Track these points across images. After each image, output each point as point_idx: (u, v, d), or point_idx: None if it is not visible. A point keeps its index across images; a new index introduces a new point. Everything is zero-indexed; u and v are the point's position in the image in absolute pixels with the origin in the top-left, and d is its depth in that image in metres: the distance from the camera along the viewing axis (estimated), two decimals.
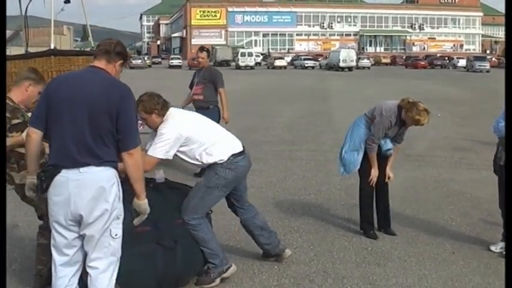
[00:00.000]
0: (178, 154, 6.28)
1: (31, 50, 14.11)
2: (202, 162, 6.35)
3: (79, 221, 4.65)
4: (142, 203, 4.96)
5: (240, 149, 6.55)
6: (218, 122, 10.34)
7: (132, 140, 4.68)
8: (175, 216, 6.25)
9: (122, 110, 4.58)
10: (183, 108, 11.84)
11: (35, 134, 4.74)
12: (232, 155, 6.41)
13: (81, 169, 4.55)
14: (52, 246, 4.85)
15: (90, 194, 4.57)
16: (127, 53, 4.96)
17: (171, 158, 6.22)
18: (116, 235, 4.77)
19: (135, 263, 5.82)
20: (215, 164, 6.34)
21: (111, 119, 4.55)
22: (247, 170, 6.71)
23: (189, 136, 6.21)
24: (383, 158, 8.02)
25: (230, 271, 6.45)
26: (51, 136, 4.72)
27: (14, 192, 6.24)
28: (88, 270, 4.77)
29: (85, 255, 4.81)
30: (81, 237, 4.74)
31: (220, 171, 6.33)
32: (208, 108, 11.19)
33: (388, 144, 7.94)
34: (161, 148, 6.06)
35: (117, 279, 5.39)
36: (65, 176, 4.57)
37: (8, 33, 68.91)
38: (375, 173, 7.93)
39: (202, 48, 11.83)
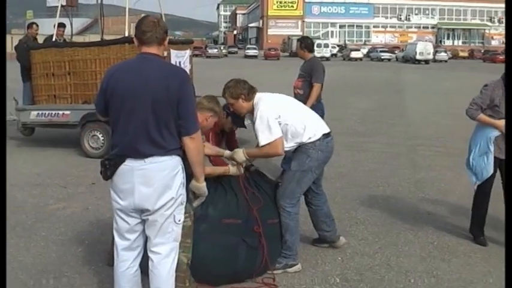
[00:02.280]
0: None
1: (108, 37, 14.40)
2: (294, 142, 6.36)
3: (142, 210, 4.70)
4: (202, 185, 5.02)
5: (328, 129, 6.60)
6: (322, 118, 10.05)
7: (193, 124, 4.66)
8: (270, 215, 6.30)
9: (182, 96, 4.55)
10: None
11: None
12: (323, 134, 6.46)
13: (146, 159, 4.58)
14: (114, 230, 4.93)
15: (155, 184, 4.60)
16: (165, 26, 4.80)
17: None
18: (179, 220, 4.80)
19: (218, 253, 5.91)
20: (306, 145, 6.37)
21: (171, 106, 4.52)
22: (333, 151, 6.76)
23: (282, 113, 6.28)
24: (502, 163, 7.29)
25: (294, 269, 6.47)
26: (114, 127, 4.73)
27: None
28: (150, 255, 4.83)
29: (146, 240, 4.88)
30: (143, 222, 4.79)
31: (313, 153, 6.39)
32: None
33: None
34: (274, 127, 6.17)
35: (196, 265, 5.54)
36: (130, 165, 4.61)
37: (87, 21, 70.52)
38: (500, 122, 7.05)
39: (298, 39, 11.08)
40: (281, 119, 6.25)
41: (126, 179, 4.64)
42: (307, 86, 10.43)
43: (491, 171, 7.29)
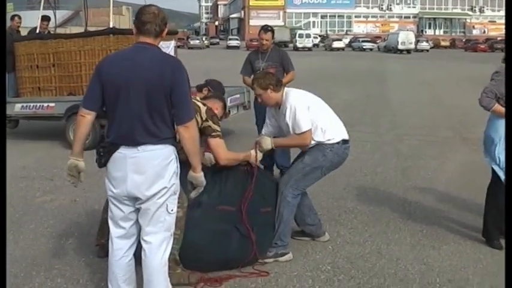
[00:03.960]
0: None
1: (91, 29, 14.31)
2: (313, 139, 6.37)
3: (134, 198, 4.70)
4: (199, 175, 4.93)
5: (348, 137, 6.63)
6: None
7: (187, 113, 4.63)
8: (263, 204, 6.31)
9: (175, 84, 4.53)
10: None
11: (89, 115, 4.67)
12: (343, 140, 6.50)
13: (139, 147, 4.58)
14: (109, 219, 4.94)
15: (146, 172, 4.59)
16: (166, 17, 4.82)
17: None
18: (171, 210, 4.79)
19: (211, 239, 5.92)
20: (325, 144, 6.38)
21: (165, 93, 4.51)
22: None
23: (311, 108, 6.37)
24: None
25: (285, 258, 6.47)
26: (109, 116, 4.72)
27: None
28: (143, 244, 4.82)
29: (140, 229, 4.87)
30: (137, 210, 4.79)
31: (329, 154, 6.41)
32: None
33: None
34: (307, 119, 6.25)
35: (188, 250, 5.63)
36: (123, 152, 4.61)
37: (68, 13, 69.92)
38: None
39: (266, 29, 10.30)
40: (310, 113, 6.30)
41: (119, 166, 4.65)
42: (280, 76, 9.82)
43: None
